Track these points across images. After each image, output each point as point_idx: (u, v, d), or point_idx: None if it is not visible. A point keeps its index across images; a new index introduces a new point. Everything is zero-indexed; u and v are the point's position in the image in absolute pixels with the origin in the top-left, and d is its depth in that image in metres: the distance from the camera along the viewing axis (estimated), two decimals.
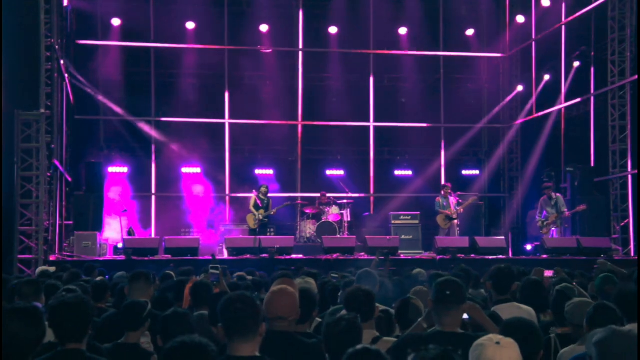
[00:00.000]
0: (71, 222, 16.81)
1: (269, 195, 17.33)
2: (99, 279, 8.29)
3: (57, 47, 14.76)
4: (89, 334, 3.90)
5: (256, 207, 16.96)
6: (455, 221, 16.99)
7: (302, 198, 19.80)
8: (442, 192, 17.18)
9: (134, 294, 5.69)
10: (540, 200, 16.35)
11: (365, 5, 20.69)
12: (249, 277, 8.70)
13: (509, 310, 5.19)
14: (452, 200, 17.06)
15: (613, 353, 2.93)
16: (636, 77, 15.77)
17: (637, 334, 3.01)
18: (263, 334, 3.53)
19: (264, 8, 20.08)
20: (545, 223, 16.02)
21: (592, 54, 17.77)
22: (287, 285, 4.40)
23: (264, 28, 20.11)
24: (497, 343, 2.98)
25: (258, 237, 15.80)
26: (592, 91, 17.70)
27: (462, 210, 17.18)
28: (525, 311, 5.26)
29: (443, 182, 20.40)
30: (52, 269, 9.74)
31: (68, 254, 15.23)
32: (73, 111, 18.81)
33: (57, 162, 14.99)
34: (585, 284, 7.12)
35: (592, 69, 17.79)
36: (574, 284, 6.39)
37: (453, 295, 4.05)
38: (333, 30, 20.40)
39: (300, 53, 20.56)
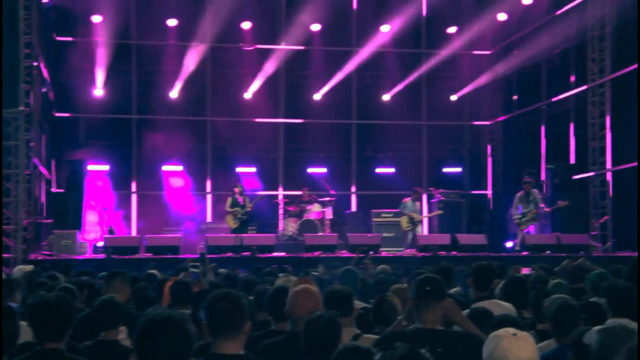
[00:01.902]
0: (50, 221, 16.68)
1: (246, 193, 17.26)
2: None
3: (36, 43, 14.61)
4: (69, 333, 3.86)
5: (232, 207, 16.87)
6: (419, 227, 17.00)
7: (284, 196, 19.79)
8: (413, 196, 17.17)
9: (109, 293, 5.62)
10: (516, 195, 16.20)
11: (348, 3, 20.68)
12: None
13: (490, 307, 5.19)
14: (419, 205, 17.21)
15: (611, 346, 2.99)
16: (615, 75, 15.92)
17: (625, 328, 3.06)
18: (247, 332, 3.50)
19: (246, 5, 19.99)
20: (523, 219, 15.95)
21: (573, 52, 17.87)
22: (308, 285, 4.38)
23: (246, 25, 20.05)
24: (514, 335, 3.01)
25: (239, 235, 15.76)
26: (572, 89, 17.81)
27: (424, 218, 17.41)
28: (505, 308, 5.27)
29: (425, 179, 20.50)
30: (30, 267, 9.62)
31: (47, 252, 15.10)
32: (52, 108, 18.66)
33: (36, 160, 14.86)
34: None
35: (573, 67, 17.90)
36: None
37: (433, 291, 4.06)
38: (316, 27, 20.36)
39: (283, 50, 20.49)
